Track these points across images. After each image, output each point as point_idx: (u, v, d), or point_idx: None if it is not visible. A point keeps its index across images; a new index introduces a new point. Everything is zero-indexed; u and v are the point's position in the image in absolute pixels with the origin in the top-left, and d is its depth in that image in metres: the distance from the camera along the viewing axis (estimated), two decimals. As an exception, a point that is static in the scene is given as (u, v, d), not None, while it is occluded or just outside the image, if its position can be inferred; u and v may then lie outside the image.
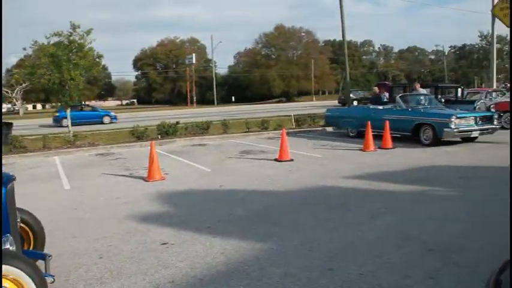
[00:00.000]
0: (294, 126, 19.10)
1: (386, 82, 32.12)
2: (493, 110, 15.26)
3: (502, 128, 15.91)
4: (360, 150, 12.10)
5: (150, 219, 6.10)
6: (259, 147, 13.73)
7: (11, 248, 3.25)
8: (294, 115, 20.60)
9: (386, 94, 16.79)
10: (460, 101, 16.67)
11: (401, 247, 4.69)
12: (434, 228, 5.29)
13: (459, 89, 18.48)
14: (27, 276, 3.05)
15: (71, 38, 14.53)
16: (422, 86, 17.04)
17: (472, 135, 12.66)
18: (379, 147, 12.23)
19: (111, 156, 13.15)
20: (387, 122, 12.66)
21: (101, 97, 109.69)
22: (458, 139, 12.92)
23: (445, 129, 12.14)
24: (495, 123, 13.11)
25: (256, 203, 6.81)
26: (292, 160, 10.65)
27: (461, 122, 12.38)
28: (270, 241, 4.99)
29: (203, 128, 17.39)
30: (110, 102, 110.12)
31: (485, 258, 4.34)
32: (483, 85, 65.45)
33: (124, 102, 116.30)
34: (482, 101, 15.70)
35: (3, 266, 2.93)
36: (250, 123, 18.79)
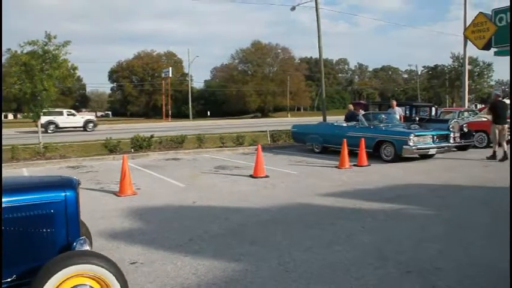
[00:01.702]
0: (269, 142, 19.01)
1: (361, 101, 32.41)
2: (465, 129, 15.48)
3: (475, 146, 16.18)
4: (336, 167, 12.05)
5: (120, 237, 5.86)
6: (234, 162, 13.56)
7: (88, 249, 3.34)
8: (269, 131, 20.53)
9: (362, 112, 16.88)
10: (434, 120, 16.86)
11: (379, 268, 4.58)
12: (412, 248, 5.20)
13: (433, 108, 18.73)
14: (111, 274, 3.14)
15: (46, 48, 14.19)
16: (397, 105, 17.25)
17: (429, 153, 13.28)
18: (354, 165, 12.21)
19: (82, 169, 12.80)
20: (362, 140, 12.78)
21: (75, 108, 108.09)
22: (417, 156, 13.28)
23: (404, 147, 12.72)
24: (451, 141, 13.94)
25: (231, 220, 6.63)
26: (267, 176, 10.52)
27: (419, 139, 13.09)
28: (245, 261, 4.81)
29: (177, 142, 17.16)
30: (84, 114, 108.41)
31: (463, 280, 4.28)
32: (454, 104, 66.86)
33: (98, 114, 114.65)
34: (455, 120, 15.90)
35: (87, 266, 3.04)
36: (225, 138, 18.64)
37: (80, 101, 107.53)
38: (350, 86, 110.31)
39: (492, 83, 72.64)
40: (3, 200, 3.10)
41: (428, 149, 13.14)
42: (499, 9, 22.54)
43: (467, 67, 26.60)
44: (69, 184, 3.54)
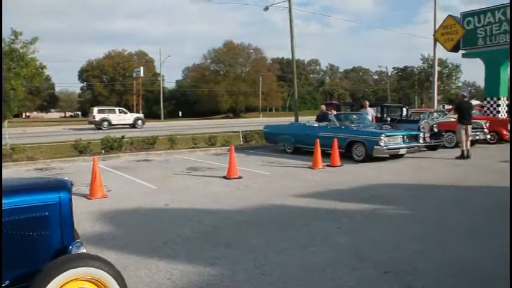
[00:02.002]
0: (242, 143, 18.91)
1: (333, 101, 32.63)
2: (435, 129, 15.71)
3: (444, 146, 16.44)
4: (309, 167, 12.03)
5: (90, 241, 5.66)
6: (206, 163, 13.42)
7: (85, 252, 3.28)
8: (241, 131, 20.43)
9: (334, 112, 16.96)
10: (405, 120, 17.06)
11: (356, 269, 4.54)
12: (389, 248, 5.19)
13: (404, 109, 18.95)
14: (110, 277, 3.10)
15: (13, 45, 13.75)
16: (369, 106, 17.41)
17: (399, 153, 13.43)
18: (327, 165, 12.22)
19: (51, 171, 12.45)
20: (335, 140, 12.82)
21: (43, 109, 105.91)
22: (388, 156, 13.40)
23: (375, 147, 12.88)
24: (421, 141, 14.15)
25: (204, 222, 6.51)
26: (241, 177, 10.42)
27: (390, 140, 13.22)
28: (221, 265, 4.70)
29: (149, 143, 16.90)
30: (53, 114, 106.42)
31: (441, 280, 4.27)
32: (423, 105, 68.07)
33: (68, 114, 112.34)
34: (425, 120, 16.13)
35: (87, 269, 3.00)
36: (198, 138, 18.45)
37: (49, 101, 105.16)
38: (321, 87, 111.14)
39: (459, 84, 74.35)
40: None
41: (399, 149, 13.30)
42: (467, 12, 23.03)
43: (437, 68, 27.08)
44: (63, 186, 3.46)
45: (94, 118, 38.00)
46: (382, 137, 12.90)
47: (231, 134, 21.60)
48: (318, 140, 12.53)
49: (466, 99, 14.83)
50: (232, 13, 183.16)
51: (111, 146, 15.70)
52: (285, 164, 13.04)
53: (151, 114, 77.48)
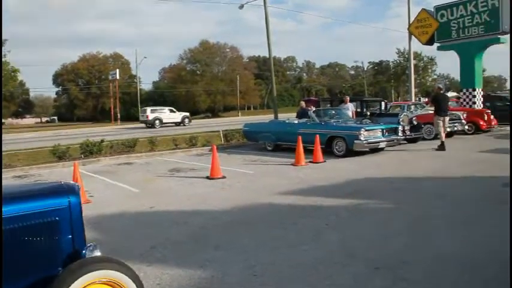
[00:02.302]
0: (223, 142, 18.82)
1: (312, 98, 32.73)
2: (415, 122, 15.87)
3: (424, 138, 16.63)
4: (292, 164, 12.03)
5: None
6: (188, 164, 13.31)
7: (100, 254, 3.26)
8: (222, 131, 20.34)
9: (313, 108, 17.01)
10: (384, 114, 17.21)
11: (348, 266, 4.53)
12: (378, 244, 5.21)
13: (383, 103, 19.11)
14: (128, 279, 3.12)
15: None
16: (350, 101, 17.51)
17: (379, 146, 13.57)
18: (310, 161, 12.24)
19: (29, 178, 12.19)
20: (317, 137, 12.85)
21: (18, 114, 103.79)
22: (367, 150, 13.54)
23: (356, 141, 12.99)
24: (400, 134, 14.32)
25: (191, 224, 6.44)
26: (224, 177, 10.36)
27: (370, 134, 13.35)
28: (211, 267, 4.65)
29: (129, 146, 16.68)
30: (28, 120, 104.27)
31: (432, 273, 4.30)
32: (399, 99, 68.86)
33: (44, 119, 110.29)
34: (405, 113, 16.29)
35: (106, 272, 3.01)
36: (178, 139, 18.31)
37: (24, 106, 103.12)
38: (299, 84, 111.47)
39: (435, 76, 75.34)
40: (5, 209, 2.95)
41: (379, 142, 13.45)
42: (440, 6, 23.28)
43: (413, 62, 27.38)
44: (72, 190, 3.40)
45: (147, 118, 41.82)
46: (361, 132, 13.00)
47: (212, 134, 21.48)
48: (299, 137, 12.53)
49: (441, 92, 15.14)
50: (207, 12, 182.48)
51: (90, 151, 15.46)
52: (267, 162, 13.02)
53: (129, 117, 76.65)
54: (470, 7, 21.75)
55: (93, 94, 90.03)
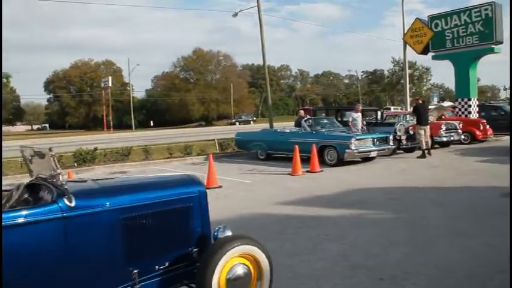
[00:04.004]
0: (218, 151, 18.72)
1: (306, 107, 32.62)
2: (411, 131, 15.83)
3: (420, 148, 16.57)
4: (289, 174, 11.95)
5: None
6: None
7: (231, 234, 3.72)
8: (217, 139, 20.24)
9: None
10: (380, 123, 17.17)
11: (350, 277, 4.47)
12: (379, 254, 5.15)
13: (379, 112, 19.09)
14: (262, 253, 3.66)
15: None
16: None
17: (370, 155, 13.68)
18: (307, 171, 12.16)
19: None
20: (313, 146, 12.78)
21: (9, 122, 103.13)
22: (359, 159, 13.61)
23: (347, 150, 13.02)
24: (391, 143, 14.27)
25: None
26: (220, 186, 10.26)
27: (361, 143, 13.43)
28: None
29: (123, 154, 16.53)
30: (19, 128, 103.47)
31: (435, 283, 4.28)
32: (392, 108, 69.10)
33: (35, 127, 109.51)
34: (401, 123, 16.24)
35: (243, 246, 3.55)
36: (173, 148, 18.19)
37: (14, 113, 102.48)
38: (293, 92, 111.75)
39: (429, 86, 75.75)
40: (156, 194, 3.59)
41: (369, 151, 13.55)
42: (434, 15, 23.43)
43: (408, 71, 27.46)
44: (199, 180, 4.01)
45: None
46: (352, 141, 13.06)
47: (206, 143, 21.38)
48: (296, 146, 12.45)
49: (421, 102, 15.54)
50: (201, 20, 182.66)
51: (84, 159, 15.31)
52: (263, 171, 12.94)
53: (122, 125, 76.41)
54: (464, 17, 21.88)
55: (85, 101, 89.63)
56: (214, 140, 20.47)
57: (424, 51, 23.90)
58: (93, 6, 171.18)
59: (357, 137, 13.37)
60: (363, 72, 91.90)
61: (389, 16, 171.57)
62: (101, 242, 3.24)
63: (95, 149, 16.09)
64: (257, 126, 38.80)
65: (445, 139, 16.99)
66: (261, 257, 3.64)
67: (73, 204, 3.09)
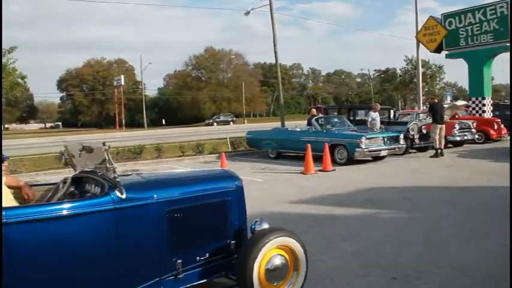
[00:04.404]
0: (230, 149, 18.75)
1: (318, 105, 32.39)
2: (424, 130, 15.72)
3: (433, 147, 16.46)
4: (301, 173, 11.94)
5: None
6: (196, 171, 13.21)
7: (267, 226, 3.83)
8: (229, 138, 20.27)
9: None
10: (393, 122, 17.06)
11: (364, 276, 4.46)
12: (392, 253, 5.13)
13: (391, 111, 18.96)
14: (299, 245, 3.80)
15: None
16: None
17: (380, 154, 13.62)
18: (319, 170, 12.13)
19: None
20: (326, 145, 12.75)
21: (23, 120, 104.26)
22: (369, 158, 13.58)
23: (357, 149, 12.99)
24: (401, 142, 14.18)
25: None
26: (233, 185, 10.25)
27: (371, 142, 13.38)
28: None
29: (136, 153, 16.63)
30: (33, 126, 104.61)
31: (449, 283, 4.27)
32: (406, 107, 68.59)
33: (48, 125, 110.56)
34: (414, 122, 16.13)
35: (281, 238, 3.68)
36: (185, 146, 18.24)
37: (28, 111, 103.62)
38: (305, 91, 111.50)
39: (442, 85, 74.93)
40: (198, 188, 3.80)
41: (380, 150, 13.50)
42: (447, 13, 23.27)
43: (421, 70, 27.26)
44: (236, 176, 4.13)
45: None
46: (363, 140, 13.04)
47: (218, 141, 21.41)
48: (309, 145, 12.42)
49: (436, 101, 15.45)
50: (213, 18, 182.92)
51: (97, 157, 15.38)
52: (276, 170, 12.94)
53: (134, 123, 76.88)
54: (478, 15, 21.70)
55: (98, 100, 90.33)
56: (226, 138, 20.52)
57: (438, 50, 23.76)
58: (105, 5, 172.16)
59: (367, 136, 13.35)
60: (375, 70, 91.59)
61: (401, 14, 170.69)
62: (149, 233, 3.39)
63: (108, 147, 16.14)
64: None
65: (458, 138, 16.85)
66: (297, 248, 3.77)
67: (124, 196, 3.24)
